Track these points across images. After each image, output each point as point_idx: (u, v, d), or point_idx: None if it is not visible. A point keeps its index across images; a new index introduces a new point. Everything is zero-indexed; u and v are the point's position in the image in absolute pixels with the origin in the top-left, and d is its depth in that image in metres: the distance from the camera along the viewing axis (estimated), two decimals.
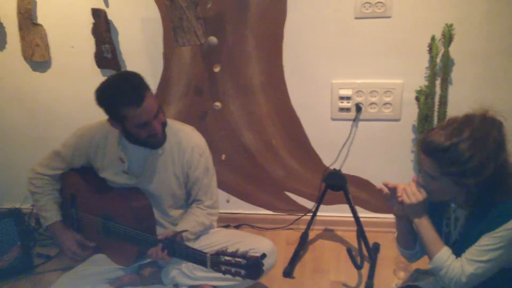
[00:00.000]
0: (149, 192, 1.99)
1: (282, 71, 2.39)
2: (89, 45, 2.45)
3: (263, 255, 1.62)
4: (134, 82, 1.78)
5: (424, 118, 2.24)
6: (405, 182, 1.51)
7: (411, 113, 2.32)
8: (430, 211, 1.50)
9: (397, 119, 2.37)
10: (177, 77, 2.50)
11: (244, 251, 1.63)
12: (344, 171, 2.45)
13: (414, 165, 2.42)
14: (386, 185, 1.54)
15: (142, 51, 2.46)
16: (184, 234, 1.89)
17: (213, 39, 2.32)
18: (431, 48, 2.17)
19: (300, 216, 2.67)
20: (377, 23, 2.21)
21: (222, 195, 2.68)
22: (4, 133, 2.81)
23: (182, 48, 2.39)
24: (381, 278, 2.23)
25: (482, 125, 1.34)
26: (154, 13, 2.37)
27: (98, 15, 2.36)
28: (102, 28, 2.38)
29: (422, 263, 1.62)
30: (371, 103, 2.35)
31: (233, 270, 1.61)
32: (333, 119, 2.43)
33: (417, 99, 2.27)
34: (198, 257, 1.73)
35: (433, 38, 2.16)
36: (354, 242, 2.42)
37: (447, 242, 1.49)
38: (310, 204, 2.65)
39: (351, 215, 2.33)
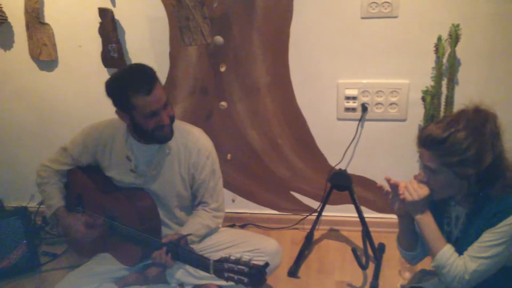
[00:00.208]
0: (154, 192, 1.99)
1: (288, 71, 2.39)
2: (95, 44, 2.46)
3: (266, 264, 1.61)
4: (145, 71, 1.80)
5: (430, 119, 2.23)
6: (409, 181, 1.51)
7: (417, 113, 2.32)
8: (431, 210, 1.50)
9: (403, 119, 2.37)
10: (183, 77, 2.50)
11: (248, 259, 1.61)
12: (350, 171, 2.45)
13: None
14: (388, 181, 1.55)
15: (149, 50, 2.47)
16: (188, 237, 1.89)
17: (219, 39, 2.32)
18: (438, 48, 2.17)
19: (305, 216, 2.67)
20: (384, 23, 2.21)
21: (228, 194, 2.68)
22: (11, 132, 2.82)
23: (188, 47, 2.39)
24: (386, 278, 2.22)
25: (476, 116, 1.38)
26: (160, 12, 2.38)
27: (105, 14, 2.37)
28: (109, 27, 2.39)
29: (427, 264, 1.61)
30: (377, 103, 2.35)
31: (236, 277, 1.60)
32: (339, 119, 2.43)
33: (423, 99, 2.27)
34: (201, 263, 1.73)
35: (439, 38, 2.16)
36: (359, 242, 2.42)
37: (448, 241, 1.49)
38: (315, 204, 2.64)
39: (356, 215, 2.33)
